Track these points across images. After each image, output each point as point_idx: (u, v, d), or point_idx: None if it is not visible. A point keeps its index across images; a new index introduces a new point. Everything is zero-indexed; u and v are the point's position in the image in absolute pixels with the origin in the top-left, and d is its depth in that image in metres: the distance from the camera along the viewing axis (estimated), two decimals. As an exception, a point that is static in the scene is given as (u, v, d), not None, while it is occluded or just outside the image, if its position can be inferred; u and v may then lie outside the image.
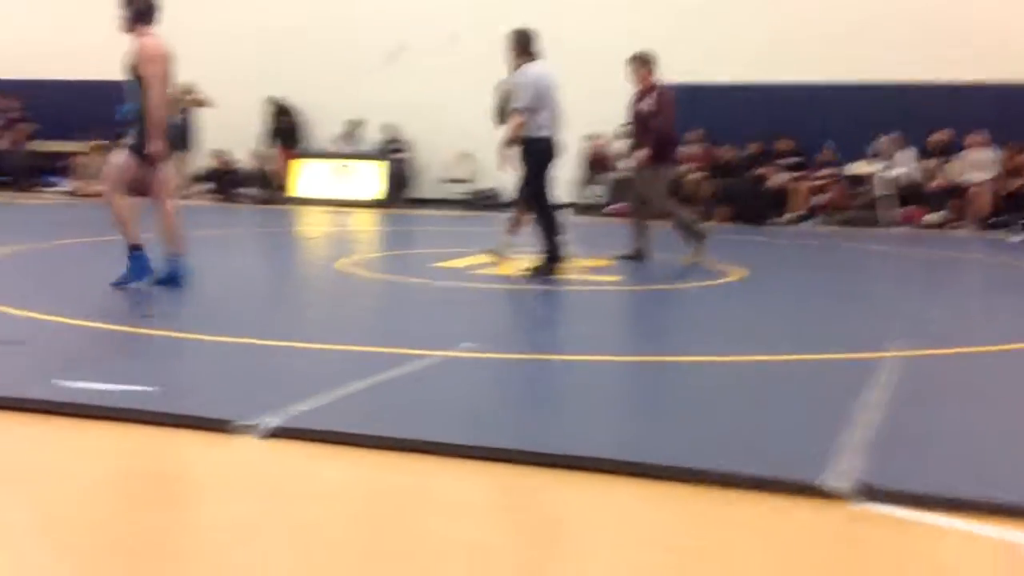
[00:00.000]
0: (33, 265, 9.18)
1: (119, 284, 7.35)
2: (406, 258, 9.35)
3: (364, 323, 6.97)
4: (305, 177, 18.28)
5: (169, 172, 7.59)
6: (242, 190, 18.09)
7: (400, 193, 18.07)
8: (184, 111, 18.03)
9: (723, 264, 9.67)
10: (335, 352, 5.60)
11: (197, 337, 5.88)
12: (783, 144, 16.18)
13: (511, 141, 8.73)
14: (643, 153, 9.85)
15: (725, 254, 10.20)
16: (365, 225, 15.15)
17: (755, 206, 15.66)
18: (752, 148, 16.28)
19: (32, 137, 19.39)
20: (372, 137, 18.31)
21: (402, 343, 5.72)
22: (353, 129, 18.35)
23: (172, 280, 7.48)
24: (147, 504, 3.45)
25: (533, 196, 8.80)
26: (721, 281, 8.84)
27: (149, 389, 4.51)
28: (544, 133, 8.68)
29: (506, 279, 8.70)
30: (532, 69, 8.75)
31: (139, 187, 7.49)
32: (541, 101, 8.64)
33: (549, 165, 8.77)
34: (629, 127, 10.55)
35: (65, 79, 19.21)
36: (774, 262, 11.41)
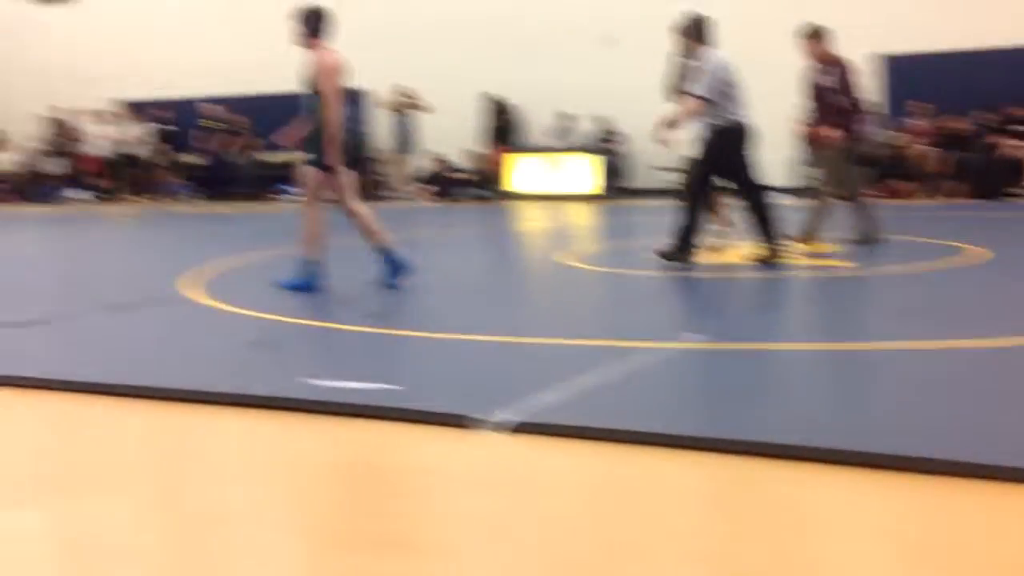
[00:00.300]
0: (273, 271, 9.67)
1: (286, 286, 7.62)
2: (625, 250, 9.34)
3: (590, 316, 6.99)
4: (520, 172, 18.53)
5: (347, 178, 7.75)
6: (459, 189, 18.52)
7: (615, 184, 18.05)
8: (403, 115, 18.67)
9: (961, 242, 9.16)
10: (565, 346, 5.62)
11: (431, 335, 6.04)
12: (1016, 111, 15.21)
13: (675, 122, 8.51)
14: (830, 132, 9.43)
15: (962, 232, 9.66)
16: (581, 218, 15.21)
17: (989, 178, 14.79)
18: (982, 117, 15.38)
19: (258, 149, 20.40)
20: (585, 130, 18.36)
21: (631, 335, 5.71)
22: (565, 123, 18.45)
23: (396, 273, 7.68)
24: (394, 498, 3.56)
25: (703, 183, 8.53)
26: (962, 263, 8.38)
27: (392, 386, 4.67)
28: (734, 119, 8.43)
29: (731, 267, 8.53)
30: (715, 55, 8.50)
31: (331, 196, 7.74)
32: (729, 87, 8.39)
33: (742, 152, 8.51)
34: (809, 103, 9.94)
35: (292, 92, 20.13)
36: (1018, 239, 10.72)
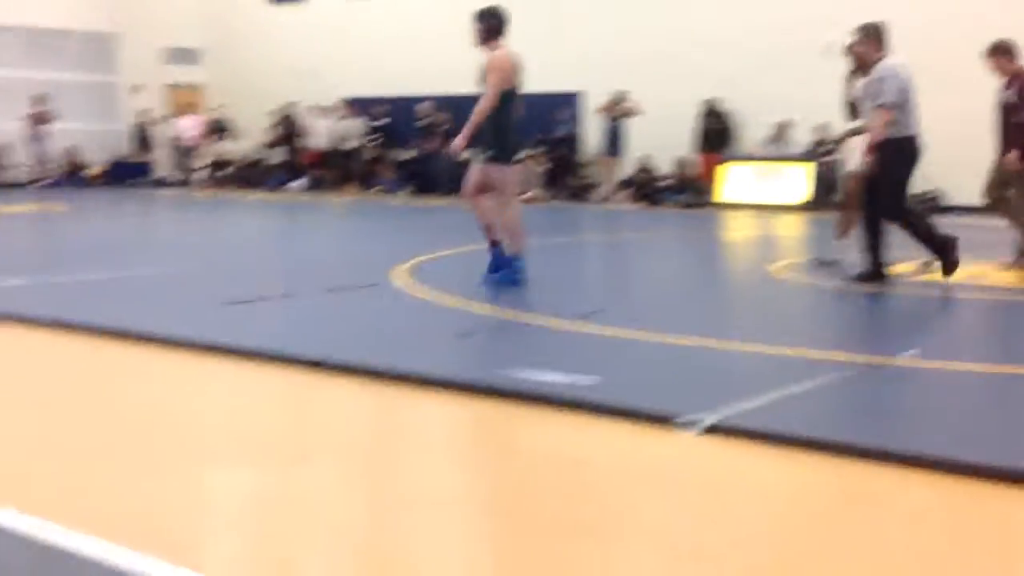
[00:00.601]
0: (481, 264, 9.90)
1: (487, 281, 7.77)
2: (837, 263, 9.08)
3: (798, 327, 6.85)
4: (731, 181, 18.25)
5: (513, 175, 7.87)
6: (666, 194, 18.41)
7: (829, 196, 17.53)
8: (615, 119, 18.72)
9: None
10: (769, 354, 5.55)
11: (634, 335, 6.06)
12: None
13: (875, 138, 7.99)
14: (1013, 155, 8.80)
15: None
16: (793, 229, 14.87)
17: None
18: None
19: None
20: (801, 139, 17.93)
21: (838, 347, 5.58)
22: (782, 131, 18.07)
23: (508, 279, 7.74)
24: (589, 489, 3.62)
25: (897, 201, 8.10)
26: None
27: (591, 381, 4.73)
28: (911, 131, 8.01)
29: (933, 286, 8.16)
30: (894, 62, 8.06)
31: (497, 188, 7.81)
32: (905, 96, 7.96)
33: (915, 166, 8.10)
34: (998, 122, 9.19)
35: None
36: None
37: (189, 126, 22.07)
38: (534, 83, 19.80)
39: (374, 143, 21.86)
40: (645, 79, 18.61)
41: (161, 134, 22.77)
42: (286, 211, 17.11)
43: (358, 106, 21.98)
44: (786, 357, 5.47)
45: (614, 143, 18.79)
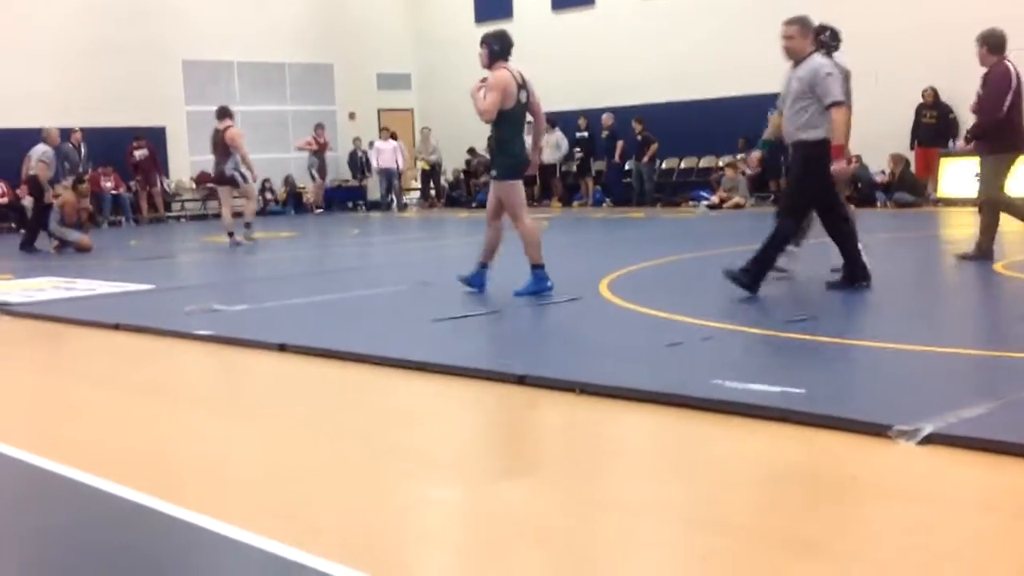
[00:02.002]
0: (684, 274, 9.83)
1: (520, 294, 8.00)
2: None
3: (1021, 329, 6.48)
4: (951, 176, 17.38)
5: (517, 191, 8.05)
6: (881, 193, 17.72)
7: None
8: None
9: None
10: (992, 357, 5.28)
11: (846, 341, 5.89)
12: None
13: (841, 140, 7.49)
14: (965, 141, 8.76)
15: None
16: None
17: None
18: None
19: (659, 156, 20.82)
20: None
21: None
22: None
23: (535, 290, 8.00)
24: (809, 501, 3.54)
25: (809, 203, 7.67)
26: None
27: (801, 391, 4.62)
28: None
29: None
30: (831, 60, 7.62)
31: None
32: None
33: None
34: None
35: (694, 99, 20.38)
36: None
37: (389, 150, 22.76)
38: (733, 86, 19.71)
39: (574, 157, 22.07)
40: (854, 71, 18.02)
41: (373, 158, 23.64)
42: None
43: (562, 120, 22.25)
44: (1011, 360, 5.19)
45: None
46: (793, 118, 7.51)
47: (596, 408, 4.82)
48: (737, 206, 18.62)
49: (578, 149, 21.97)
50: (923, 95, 17.67)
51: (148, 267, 12.49)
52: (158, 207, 22.08)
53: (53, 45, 20.74)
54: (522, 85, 8.03)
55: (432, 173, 24.51)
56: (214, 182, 15.23)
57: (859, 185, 18.08)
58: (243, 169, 14.67)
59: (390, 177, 23.12)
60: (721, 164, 20.01)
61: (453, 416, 5.05)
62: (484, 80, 7.98)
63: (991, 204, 9.18)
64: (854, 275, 7.75)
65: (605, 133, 21.65)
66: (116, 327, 7.78)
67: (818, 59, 7.52)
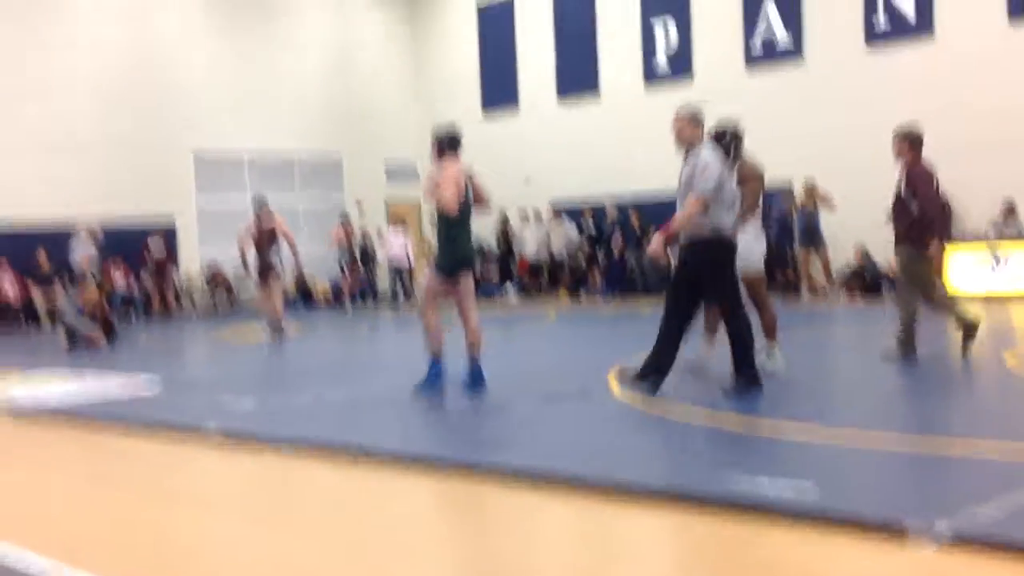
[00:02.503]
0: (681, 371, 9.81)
1: (419, 389, 8.15)
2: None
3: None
4: (955, 268, 17.38)
5: (468, 285, 8.27)
6: (885, 285, 17.71)
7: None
8: (809, 209, 18.23)
9: None
10: (1010, 452, 5.23)
11: (857, 436, 5.85)
12: None
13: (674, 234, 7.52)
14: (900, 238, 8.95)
15: None
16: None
17: None
18: None
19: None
20: (1031, 219, 17.00)
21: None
22: (1010, 211, 17.18)
23: (474, 384, 8.13)
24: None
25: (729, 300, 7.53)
26: None
27: (813, 487, 4.58)
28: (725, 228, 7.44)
29: None
30: (711, 152, 7.51)
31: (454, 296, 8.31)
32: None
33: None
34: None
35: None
36: None
37: (402, 241, 22.80)
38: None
39: (582, 249, 22.23)
40: (849, 163, 18.24)
41: (380, 247, 23.70)
42: (501, 322, 17.47)
43: (567, 211, 22.49)
44: (1027, 457, 5.15)
45: (811, 234, 18.24)
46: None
47: (605, 509, 4.78)
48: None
49: (585, 240, 22.12)
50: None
51: (159, 364, 12.51)
52: (168, 303, 22.15)
53: (64, 138, 21.02)
54: (467, 182, 8.24)
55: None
56: (260, 274, 14.97)
57: (867, 277, 18.13)
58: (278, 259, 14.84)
59: (400, 272, 23.12)
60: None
61: (462, 516, 5.00)
62: (430, 177, 8.19)
63: (937, 304, 9.23)
64: (746, 379, 7.47)
65: (609, 223, 21.82)
66: (126, 426, 7.77)
67: (706, 152, 7.49)
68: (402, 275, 22.99)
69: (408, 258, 22.70)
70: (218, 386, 9.62)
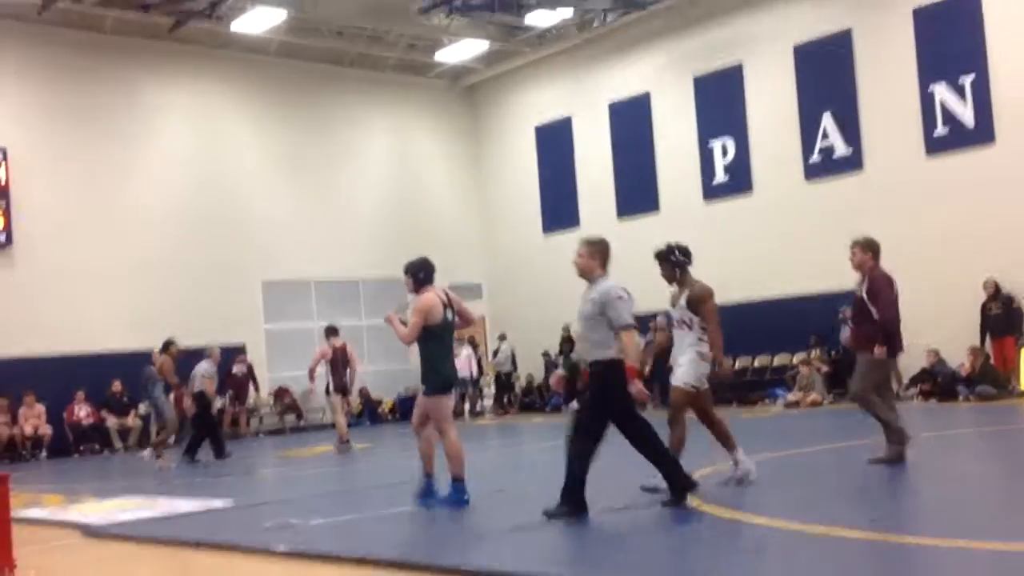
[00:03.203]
0: (765, 475, 9.67)
1: (428, 502, 8.43)
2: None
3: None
4: (1032, 367, 17.03)
5: (445, 405, 8.44)
6: (961, 387, 17.36)
7: None
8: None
9: None
10: None
11: (927, 541, 5.70)
12: None
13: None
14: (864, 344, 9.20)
15: None
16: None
17: None
18: None
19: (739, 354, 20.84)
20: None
21: None
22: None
23: (453, 503, 8.29)
24: None
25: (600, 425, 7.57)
26: None
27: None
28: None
29: None
30: (616, 284, 7.71)
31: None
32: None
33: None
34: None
35: (764, 298, 20.50)
36: None
37: (464, 357, 22.98)
38: (802, 285, 19.83)
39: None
40: (924, 264, 18.09)
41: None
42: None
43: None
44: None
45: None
46: (586, 338, 7.73)
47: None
48: (814, 403, 18.39)
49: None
50: (984, 287, 17.59)
51: (228, 483, 12.61)
52: (240, 424, 22.38)
53: (133, 268, 21.62)
54: (447, 304, 8.49)
55: (506, 379, 24.69)
56: (338, 392, 16.26)
57: (939, 379, 17.80)
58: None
59: (465, 384, 23.31)
60: (795, 361, 19.91)
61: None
62: (396, 314, 8.71)
63: (861, 402, 9.37)
64: (680, 486, 7.56)
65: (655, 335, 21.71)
66: (197, 545, 7.83)
67: (608, 283, 7.71)
68: (467, 386, 23.20)
69: (472, 370, 22.91)
70: (288, 505, 9.66)
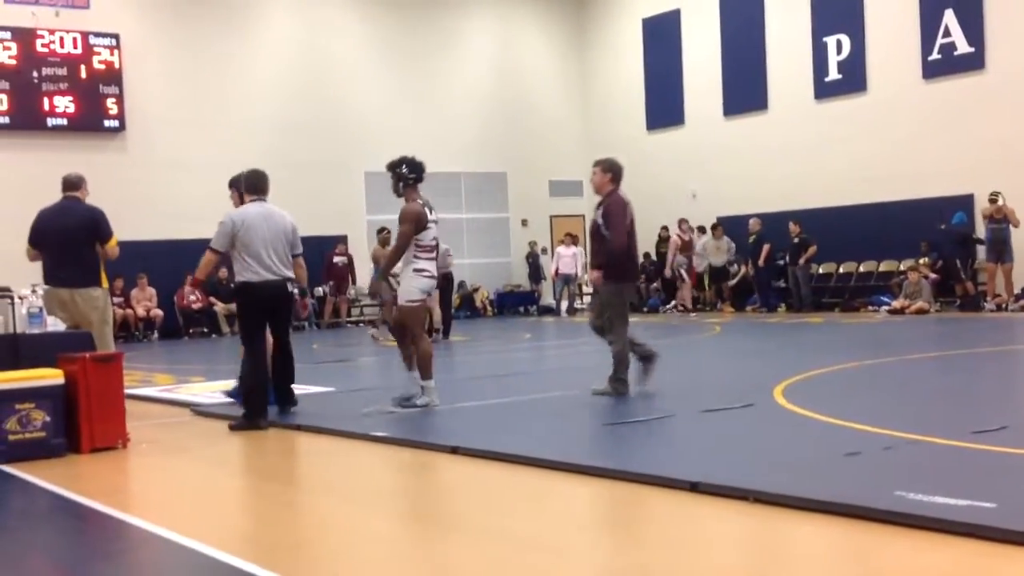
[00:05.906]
0: (863, 381, 9.53)
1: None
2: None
3: None
4: None
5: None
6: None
7: None
8: (996, 223, 17.42)
9: None
10: None
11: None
12: None
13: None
14: (595, 274, 8.67)
15: None
16: None
17: None
18: None
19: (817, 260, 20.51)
20: None
21: None
22: None
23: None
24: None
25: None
26: None
27: (991, 505, 4.39)
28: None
29: None
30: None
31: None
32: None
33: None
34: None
35: (873, 202, 19.94)
36: None
37: (569, 255, 23.01)
38: (913, 189, 19.22)
39: (742, 263, 21.89)
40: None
41: (552, 263, 23.94)
42: (664, 331, 17.34)
43: (729, 224, 22.16)
44: None
45: (997, 249, 17.49)
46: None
47: (771, 519, 4.69)
48: (920, 311, 17.97)
49: (749, 254, 21.75)
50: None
51: (329, 370, 12.91)
52: (340, 313, 22.85)
53: (238, 161, 21.89)
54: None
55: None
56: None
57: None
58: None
59: (568, 282, 23.39)
60: (902, 268, 19.42)
61: (625, 524, 5.00)
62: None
63: (598, 330, 8.94)
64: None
65: (752, 238, 21.37)
66: (297, 428, 8.07)
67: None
68: (569, 283, 23.28)
69: (576, 269, 22.92)
70: (389, 391, 9.86)
